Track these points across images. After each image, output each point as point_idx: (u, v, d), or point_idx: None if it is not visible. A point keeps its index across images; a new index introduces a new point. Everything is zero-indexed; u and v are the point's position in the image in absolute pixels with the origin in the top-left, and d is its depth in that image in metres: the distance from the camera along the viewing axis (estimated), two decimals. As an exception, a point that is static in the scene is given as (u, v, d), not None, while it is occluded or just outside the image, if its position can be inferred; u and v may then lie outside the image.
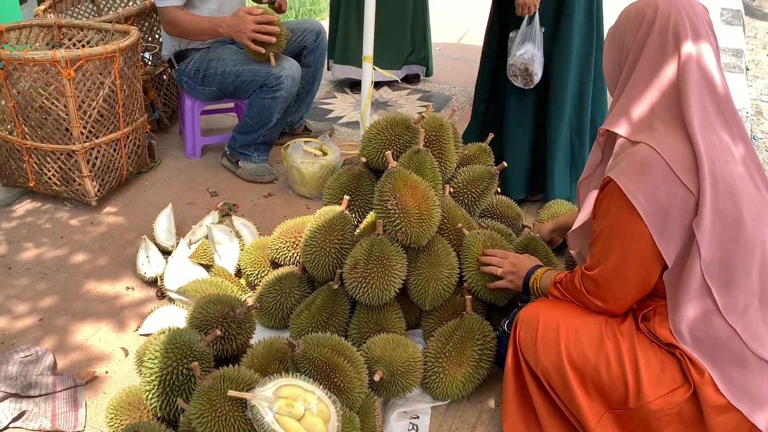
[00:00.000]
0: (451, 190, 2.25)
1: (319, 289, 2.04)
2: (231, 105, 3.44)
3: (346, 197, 2.07)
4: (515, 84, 2.72)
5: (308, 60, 3.19)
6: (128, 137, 2.86)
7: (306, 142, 3.00)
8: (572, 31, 2.67)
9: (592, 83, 2.80)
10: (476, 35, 5.24)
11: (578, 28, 2.68)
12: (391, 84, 4.21)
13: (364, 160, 2.21)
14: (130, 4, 3.66)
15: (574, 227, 1.71)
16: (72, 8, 3.48)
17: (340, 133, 3.58)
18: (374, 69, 2.61)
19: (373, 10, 2.50)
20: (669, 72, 1.49)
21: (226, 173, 3.15)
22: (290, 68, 2.89)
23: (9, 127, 2.68)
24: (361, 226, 2.15)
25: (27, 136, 2.66)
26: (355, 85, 4.13)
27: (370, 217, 2.16)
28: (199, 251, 2.32)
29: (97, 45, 3.00)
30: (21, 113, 2.61)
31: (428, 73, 4.25)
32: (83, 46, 3.02)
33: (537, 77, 2.69)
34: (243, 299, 1.84)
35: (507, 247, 2.02)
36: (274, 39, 2.79)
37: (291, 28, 3.08)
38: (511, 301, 2.02)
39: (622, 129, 1.54)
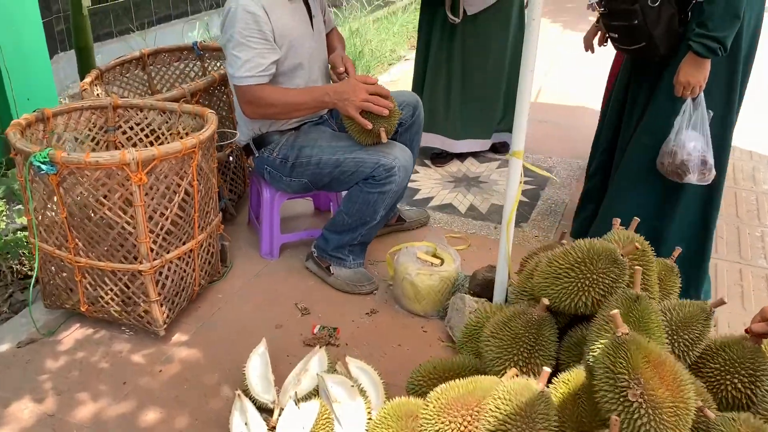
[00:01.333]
0: (664, 341, 1.67)
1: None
2: (308, 190, 2.90)
3: (546, 370, 1.49)
4: (690, 181, 2.18)
5: (404, 138, 2.65)
6: (202, 245, 2.31)
7: (418, 246, 2.44)
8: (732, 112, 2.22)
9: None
10: (552, 93, 4.72)
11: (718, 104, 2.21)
12: (476, 155, 3.66)
13: (546, 302, 1.65)
14: (187, 70, 3.14)
15: None
16: (120, 77, 2.96)
17: (435, 221, 3.02)
18: (524, 165, 2.05)
19: (528, 100, 1.95)
20: None
21: (313, 280, 2.58)
22: (403, 158, 2.34)
23: (57, 240, 2.12)
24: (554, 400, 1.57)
25: (81, 253, 2.10)
26: (437, 157, 3.58)
27: (564, 387, 1.58)
28: (319, 425, 1.73)
29: (160, 128, 2.47)
30: (75, 225, 2.05)
31: (519, 142, 3.70)
32: (143, 129, 2.48)
33: (714, 169, 2.17)
34: None
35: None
36: (386, 111, 2.26)
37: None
38: None
39: None
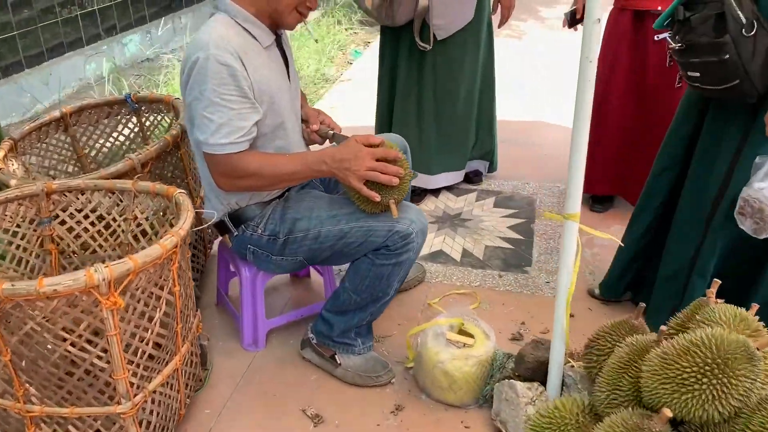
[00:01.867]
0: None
1: None
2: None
3: None
4: (740, 225, 1.93)
5: (393, 188, 2.28)
6: (185, 359, 1.84)
7: (442, 325, 2.08)
8: None
9: None
10: (502, 108, 4.45)
11: None
12: (450, 188, 3.34)
13: (670, 415, 1.34)
14: (120, 128, 2.62)
15: None
16: (39, 144, 2.42)
17: (431, 274, 2.67)
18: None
19: (584, 154, 1.64)
20: None
21: (315, 372, 2.17)
22: (419, 221, 1.97)
23: (-1, 386, 1.61)
24: None
25: (34, 399, 1.59)
26: (411, 194, 3.21)
27: None
28: None
29: (109, 213, 1.98)
30: (25, 368, 1.55)
31: (492, 169, 3.43)
32: (87, 216, 1.98)
33: None
34: None
35: None
36: (396, 180, 1.87)
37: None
38: None
39: None
